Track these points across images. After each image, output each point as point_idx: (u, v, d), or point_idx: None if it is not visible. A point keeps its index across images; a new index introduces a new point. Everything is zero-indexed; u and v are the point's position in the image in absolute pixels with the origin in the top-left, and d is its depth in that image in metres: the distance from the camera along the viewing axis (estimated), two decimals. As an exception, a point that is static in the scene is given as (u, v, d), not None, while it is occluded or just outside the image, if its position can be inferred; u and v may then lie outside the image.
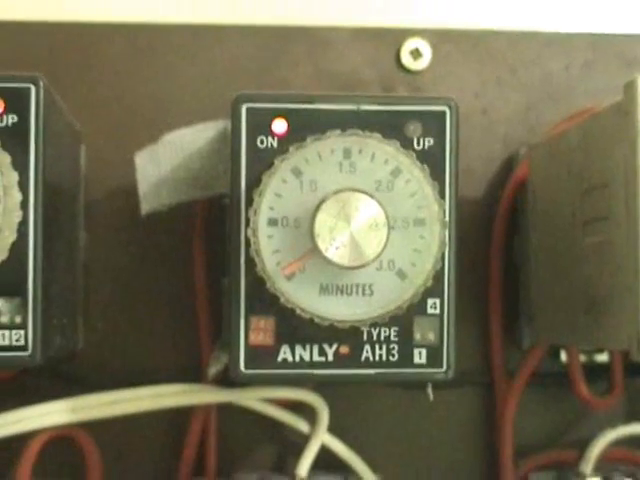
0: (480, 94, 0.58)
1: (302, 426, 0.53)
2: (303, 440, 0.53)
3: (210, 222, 0.53)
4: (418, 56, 0.57)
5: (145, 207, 0.50)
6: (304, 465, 0.52)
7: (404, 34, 0.57)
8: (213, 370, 0.50)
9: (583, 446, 0.55)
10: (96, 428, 0.52)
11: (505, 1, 0.59)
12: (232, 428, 0.55)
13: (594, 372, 0.56)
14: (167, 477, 0.54)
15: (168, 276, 0.55)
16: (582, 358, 0.56)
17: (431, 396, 0.49)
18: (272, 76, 0.56)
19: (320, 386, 0.53)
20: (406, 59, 0.57)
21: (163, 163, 0.50)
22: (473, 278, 0.57)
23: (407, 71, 0.57)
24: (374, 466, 0.54)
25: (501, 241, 0.56)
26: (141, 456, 0.55)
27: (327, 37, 0.57)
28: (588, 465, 0.54)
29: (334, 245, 0.40)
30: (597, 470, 0.54)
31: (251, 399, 0.53)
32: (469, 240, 0.56)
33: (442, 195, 0.42)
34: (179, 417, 0.54)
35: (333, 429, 0.53)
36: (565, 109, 0.57)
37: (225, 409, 0.54)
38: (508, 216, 0.56)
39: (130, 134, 0.54)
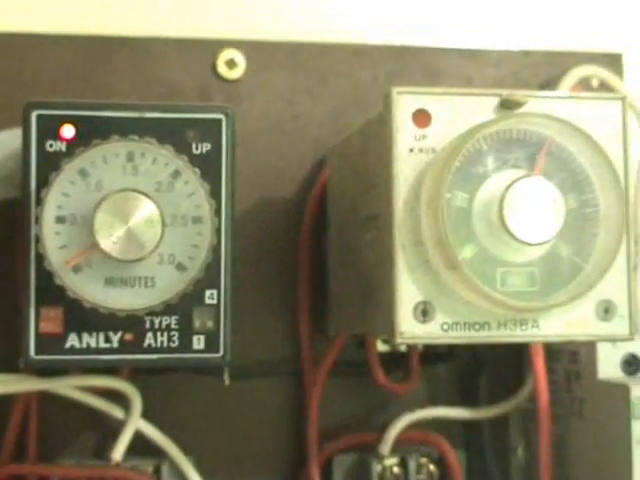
0: (292, 101, 0.61)
1: (117, 413, 0.56)
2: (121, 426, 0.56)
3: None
4: (233, 66, 0.60)
5: (-37, 206, 0.52)
6: (119, 449, 0.55)
7: (220, 45, 0.60)
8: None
9: (384, 429, 0.59)
10: None
11: (315, 14, 0.63)
12: (53, 415, 0.57)
13: (396, 360, 0.60)
14: (-12, 462, 0.56)
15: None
16: (385, 347, 0.59)
17: (227, 381, 0.52)
18: (96, 83, 0.59)
19: (137, 374, 0.56)
20: (222, 69, 0.60)
21: (-20, 164, 0.53)
22: (284, 273, 0.60)
23: (223, 80, 0.60)
24: (189, 450, 0.57)
25: (309, 238, 0.59)
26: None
27: (148, 47, 0.60)
28: (386, 446, 0.58)
29: (111, 240, 0.44)
30: (396, 451, 0.59)
31: (65, 387, 0.55)
32: (281, 237, 0.60)
33: (218, 195, 0.46)
34: (1, 405, 0.56)
35: (152, 416, 0.56)
36: (372, 115, 0.60)
37: (47, 398, 0.56)
38: (316, 214, 0.59)
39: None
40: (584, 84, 0.62)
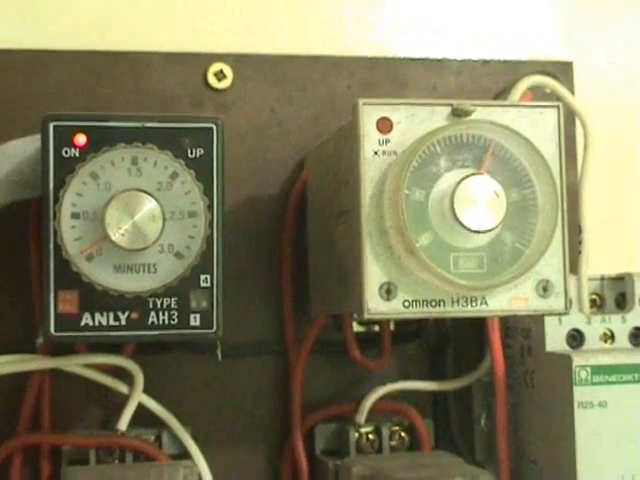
0: (276, 109, 0.66)
1: (122, 388, 0.60)
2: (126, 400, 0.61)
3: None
4: (222, 77, 0.65)
5: (-17, 206, 0.58)
6: (123, 421, 0.60)
7: (210, 58, 0.65)
8: (40, 340, 0.59)
9: (360, 401, 0.64)
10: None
11: (296, 30, 0.69)
12: (65, 391, 0.60)
13: (370, 339, 0.65)
14: (7, 434, 0.59)
15: (7, 263, 0.60)
16: (360, 328, 0.65)
17: (219, 356, 0.59)
18: (98, 94, 0.64)
19: (140, 354, 0.62)
20: (212, 80, 0.65)
21: (-2, 169, 0.59)
22: (270, 262, 0.65)
23: (213, 90, 0.66)
24: (186, 420, 0.60)
25: (291, 230, 0.64)
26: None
27: (145, 60, 0.64)
28: (362, 416, 0.63)
29: (119, 232, 0.50)
30: (371, 420, 0.64)
31: (75, 365, 0.60)
32: (266, 230, 0.65)
33: (211, 193, 0.53)
34: (18, 382, 0.59)
35: (153, 391, 0.61)
36: (347, 121, 0.66)
37: (59, 375, 0.59)
38: (297, 209, 0.64)
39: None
40: (539, 90, 0.67)
